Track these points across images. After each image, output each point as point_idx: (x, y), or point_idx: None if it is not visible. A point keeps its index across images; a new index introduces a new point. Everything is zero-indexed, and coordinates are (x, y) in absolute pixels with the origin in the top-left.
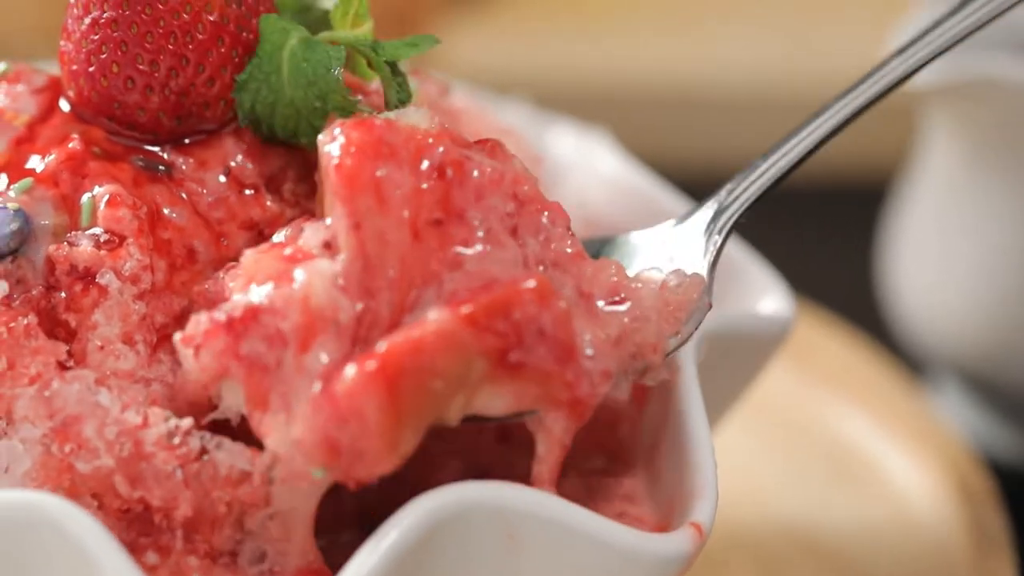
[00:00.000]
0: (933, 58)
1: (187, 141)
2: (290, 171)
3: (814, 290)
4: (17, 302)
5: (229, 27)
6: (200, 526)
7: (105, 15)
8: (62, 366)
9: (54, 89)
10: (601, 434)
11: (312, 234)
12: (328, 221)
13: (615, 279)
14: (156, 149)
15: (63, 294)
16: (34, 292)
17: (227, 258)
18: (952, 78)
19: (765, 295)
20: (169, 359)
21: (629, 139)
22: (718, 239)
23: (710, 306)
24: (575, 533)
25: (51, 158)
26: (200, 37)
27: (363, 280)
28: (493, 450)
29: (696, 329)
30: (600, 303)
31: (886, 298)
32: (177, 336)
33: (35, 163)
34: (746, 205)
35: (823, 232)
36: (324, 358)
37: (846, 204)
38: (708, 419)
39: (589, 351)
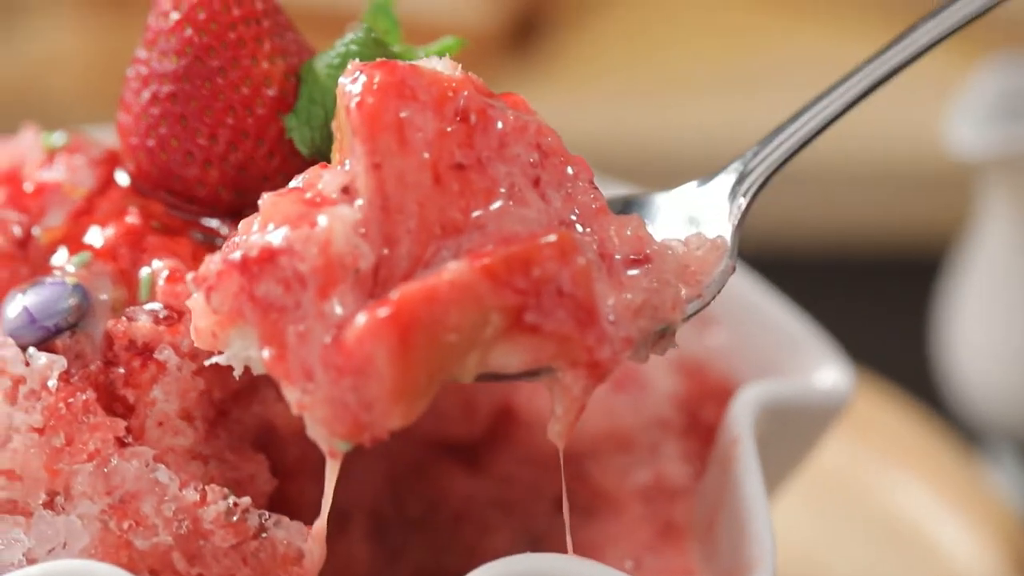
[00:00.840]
0: (973, 18)
1: (246, 215)
2: None
3: (870, 360)
4: (76, 377)
5: (288, 100)
6: None
7: (164, 89)
8: (121, 442)
9: (112, 162)
10: (657, 507)
11: (331, 178)
12: (347, 165)
13: (638, 235)
14: (215, 223)
15: (121, 369)
16: (92, 367)
17: None
18: (1009, 150)
19: (823, 367)
20: (227, 435)
21: None
22: (743, 201)
23: (734, 269)
24: None
25: (109, 232)
26: (260, 111)
27: (383, 226)
28: (547, 518)
29: (719, 292)
30: (621, 262)
31: (943, 368)
32: (189, 276)
33: (93, 237)
34: (773, 168)
35: (880, 303)
36: (340, 309)
37: (903, 275)
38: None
39: (611, 316)
